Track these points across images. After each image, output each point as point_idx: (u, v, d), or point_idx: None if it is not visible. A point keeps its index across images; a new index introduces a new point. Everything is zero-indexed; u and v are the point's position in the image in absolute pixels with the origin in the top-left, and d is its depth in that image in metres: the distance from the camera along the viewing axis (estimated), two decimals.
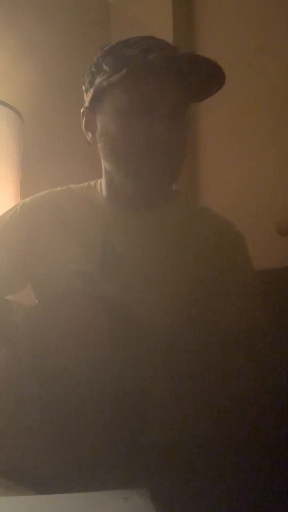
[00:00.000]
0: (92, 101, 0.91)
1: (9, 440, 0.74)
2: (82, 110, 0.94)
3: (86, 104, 0.93)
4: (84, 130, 0.95)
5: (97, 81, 0.88)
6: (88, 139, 0.95)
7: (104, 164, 0.94)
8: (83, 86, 0.93)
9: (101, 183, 0.99)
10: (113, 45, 0.88)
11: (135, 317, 0.80)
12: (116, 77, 0.85)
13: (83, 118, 0.94)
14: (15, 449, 0.74)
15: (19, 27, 1.67)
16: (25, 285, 1.01)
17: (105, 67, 0.87)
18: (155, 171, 0.87)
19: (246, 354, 0.82)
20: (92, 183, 1.01)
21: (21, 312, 0.82)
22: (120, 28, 1.88)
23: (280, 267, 1.14)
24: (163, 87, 0.84)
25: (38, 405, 0.74)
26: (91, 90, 0.90)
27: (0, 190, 1.32)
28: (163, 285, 0.88)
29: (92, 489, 0.64)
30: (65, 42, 1.77)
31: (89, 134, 0.94)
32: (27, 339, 0.75)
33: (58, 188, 1.01)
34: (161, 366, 0.81)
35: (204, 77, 0.87)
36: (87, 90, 0.92)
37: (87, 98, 0.92)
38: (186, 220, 0.96)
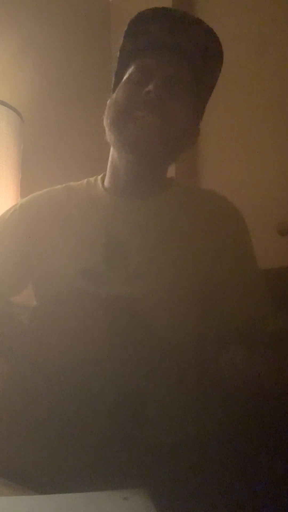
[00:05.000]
0: (115, 72, 0.95)
1: (9, 440, 0.74)
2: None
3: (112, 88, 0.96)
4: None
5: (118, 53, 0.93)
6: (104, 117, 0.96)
7: (109, 138, 0.94)
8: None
9: (102, 177, 0.99)
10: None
11: (139, 316, 0.80)
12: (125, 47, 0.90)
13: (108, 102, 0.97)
14: (15, 449, 0.74)
15: (19, 27, 1.67)
16: (27, 285, 1.01)
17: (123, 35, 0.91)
18: (145, 136, 0.87)
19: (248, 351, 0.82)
20: (92, 179, 1.01)
21: (24, 313, 0.82)
22: (120, 28, 1.88)
23: (280, 267, 1.14)
24: (163, 59, 0.88)
25: (39, 405, 0.74)
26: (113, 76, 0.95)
27: (0, 190, 1.32)
28: (169, 275, 0.88)
29: (92, 489, 0.64)
30: (65, 42, 1.77)
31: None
32: (29, 339, 0.75)
33: (58, 186, 1.01)
34: (162, 365, 0.81)
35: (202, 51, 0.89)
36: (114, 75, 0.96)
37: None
38: (185, 204, 0.96)
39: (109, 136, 0.93)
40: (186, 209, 0.95)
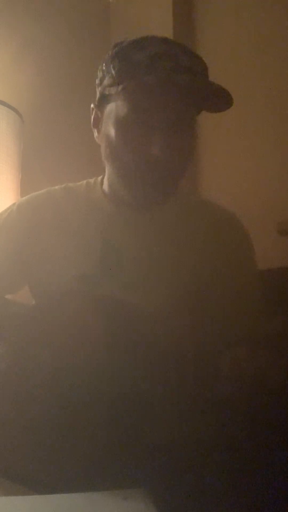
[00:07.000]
0: (99, 100, 0.90)
1: (9, 440, 0.74)
2: (91, 106, 0.93)
3: (95, 102, 0.92)
4: (92, 126, 0.93)
5: (105, 82, 0.87)
6: (95, 136, 0.93)
7: (106, 165, 0.93)
8: (96, 80, 0.91)
9: (103, 181, 0.97)
10: (124, 45, 0.85)
11: (135, 319, 0.80)
12: (119, 88, 0.84)
13: (91, 115, 0.93)
14: (14, 449, 0.74)
15: (19, 27, 1.67)
16: (23, 285, 1.00)
17: (112, 71, 0.85)
18: (148, 183, 0.86)
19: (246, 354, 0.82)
20: (91, 180, 1.00)
21: (19, 311, 0.81)
22: (120, 28, 1.88)
23: (280, 267, 1.13)
24: (164, 99, 0.82)
25: (37, 405, 0.73)
26: (99, 90, 0.89)
27: (0, 190, 1.32)
28: (165, 285, 0.88)
29: (92, 489, 0.64)
30: (65, 42, 1.77)
31: (95, 131, 0.93)
32: (24, 339, 0.75)
33: (56, 187, 1.00)
34: (160, 366, 0.81)
35: (209, 93, 0.86)
36: (97, 86, 0.90)
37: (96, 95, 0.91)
38: (186, 216, 0.95)
39: (106, 164, 0.91)
40: (187, 222, 0.94)
